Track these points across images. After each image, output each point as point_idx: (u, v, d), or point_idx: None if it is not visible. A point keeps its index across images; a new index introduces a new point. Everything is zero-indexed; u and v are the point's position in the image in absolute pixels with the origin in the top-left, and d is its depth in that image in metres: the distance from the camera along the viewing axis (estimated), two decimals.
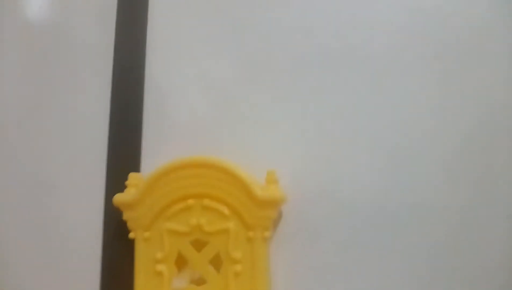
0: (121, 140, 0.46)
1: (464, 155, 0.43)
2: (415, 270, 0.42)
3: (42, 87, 0.50)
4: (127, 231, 0.41)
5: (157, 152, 0.45)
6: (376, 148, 0.44)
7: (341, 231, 0.43)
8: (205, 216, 0.40)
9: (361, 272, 0.43)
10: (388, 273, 0.42)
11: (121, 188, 0.42)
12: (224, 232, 0.39)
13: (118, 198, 0.41)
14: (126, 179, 0.42)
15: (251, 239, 0.39)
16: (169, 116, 0.47)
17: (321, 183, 0.44)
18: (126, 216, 0.41)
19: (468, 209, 0.42)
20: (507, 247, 0.41)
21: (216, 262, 0.39)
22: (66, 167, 0.48)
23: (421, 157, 0.43)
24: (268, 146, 0.45)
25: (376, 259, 0.43)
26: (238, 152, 0.44)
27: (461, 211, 0.42)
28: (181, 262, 0.40)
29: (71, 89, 0.49)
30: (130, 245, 0.41)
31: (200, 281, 0.40)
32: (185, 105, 0.47)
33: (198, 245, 0.40)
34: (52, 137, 0.49)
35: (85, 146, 0.48)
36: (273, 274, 0.41)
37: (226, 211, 0.39)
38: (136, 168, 0.45)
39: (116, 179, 0.44)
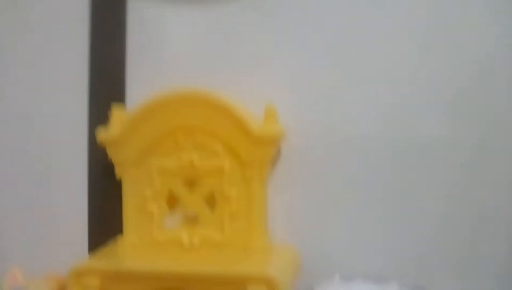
0: (103, 70, 0.42)
1: (468, 93, 0.39)
2: (418, 206, 0.41)
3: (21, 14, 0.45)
4: (113, 169, 0.38)
5: (144, 83, 0.41)
6: (381, 83, 0.40)
7: (343, 169, 0.41)
8: (197, 153, 0.37)
9: (364, 211, 0.41)
10: (391, 210, 0.41)
11: (105, 122, 0.39)
12: (218, 170, 0.36)
13: (102, 135, 0.38)
14: (109, 113, 0.39)
15: (247, 178, 0.36)
16: (156, 45, 0.42)
17: (323, 119, 0.41)
18: (111, 153, 0.38)
19: (471, 145, 0.40)
20: None
21: (210, 202, 0.37)
22: (47, 99, 0.44)
23: (425, 94, 0.40)
24: (267, 79, 0.41)
25: (378, 197, 0.41)
26: (234, 85, 0.40)
27: (465, 148, 0.40)
28: (172, 201, 0.38)
29: (50, 17, 0.44)
30: (117, 184, 0.38)
31: (192, 220, 0.38)
32: (174, 31, 0.42)
33: (190, 183, 0.37)
34: (32, 68, 0.45)
35: (66, 77, 0.44)
36: (271, 216, 0.39)
37: (220, 148, 0.36)
38: (120, 99, 0.41)
39: (99, 112, 0.41)
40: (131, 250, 0.37)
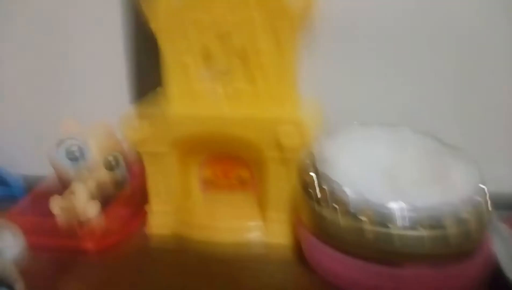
0: None
1: None
2: (432, 65, 0.43)
3: None
4: (149, 24, 0.39)
5: None
6: None
7: (366, 32, 0.43)
8: (229, 7, 0.37)
9: (383, 71, 0.44)
10: (406, 69, 0.44)
11: None
12: (249, 22, 0.38)
13: None
14: None
15: (278, 33, 0.37)
16: None
17: None
18: (147, 7, 0.39)
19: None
20: None
21: (242, 56, 0.39)
22: None
23: None
24: None
25: (396, 58, 0.43)
26: None
27: None
28: (207, 54, 0.40)
29: None
30: (154, 39, 0.40)
31: (226, 72, 0.40)
32: None
33: (223, 37, 0.39)
34: None
35: None
36: (300, 69, 0.41)
37: (251, 1, 0.37)
38: None
39: None
40: (172, 100, 0.41)
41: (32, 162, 0.51)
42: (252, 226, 0.42)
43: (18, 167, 0.51)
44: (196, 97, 0.40)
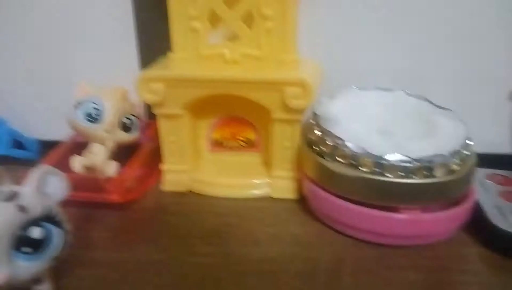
0: None
1: None
2: (427, 34, 0.46)
3: None
4: None
5: None
6: None
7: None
8: None
9: (380, 35, 0.47)
10: (403, 35, 0.46)
11: None
12: None
13: None
14: None
15: None
16: None
17: None
18: None
19: None
20: None
21: (248, 20, 0.41)
22: None
23: None
24: None
25: (393, 23, 0.46)
26: None
27: None
28: (214, 20, 0.42)
29: None
30: (162, 4, 0.42)
31: (233, 37, 0.43)
32: None
33: (230, 2, 0.40)
34: None
35: None
36: (299, 34, 0.43)
37: None
38: None
39: None
40: (181, 63, 0.43)
41: (46, 127, 0.54)
42: (259, 183, 0.45)
43: (32, 131, 0.53)
44: (204, 62, 0.42)
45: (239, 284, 0.32)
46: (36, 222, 0.27)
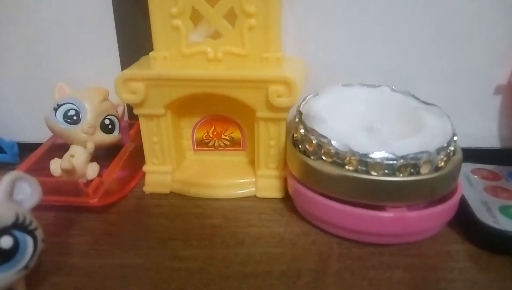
0: None
1: None
2: (411, 31, 0.46)
3: None
4: None
5: None
6: None
7: None
8: None
9: (364, 32, 0.46)
10: (387, 33, 0.46)
11: None
12: None
13: None
14: None
15: None
16: None
17: None
18: None
19: None
20: None
21: (231, 17, 0.40)
22: None
23: None
24: None
25: (378, 20, 0.45)
26: None
27: None
28: (196, 18, 0.41)
29: None
30: (143, 2, 0.41)
31: (215, 35, 0.42)
32: None
33: (212, 0, 0.40)
34: None
35: None
36: (283, 29, 0.43)
37: None
38: None
39: None
40: (163, 62, 0.42)
41: (25, 130, 0.52)
42: (244, 183, 0.44)
43: (11, 134, 0.52)
44: (186, 60, 0.41)
45: (222, 289, 0.31)
46: (6, 231, 0.26)
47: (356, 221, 0.35)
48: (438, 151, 0.34)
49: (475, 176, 0.43)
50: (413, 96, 0.42)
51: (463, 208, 0.37)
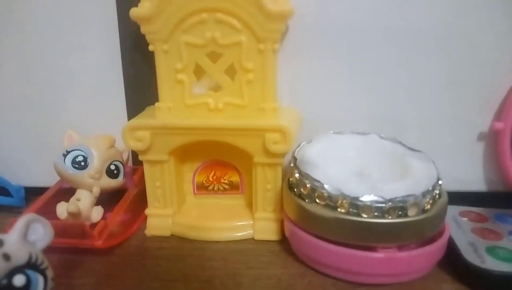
0: None
1: None
2: (397, 83, 0.49)
3: None
4: (143, 44, 0.44)
5: None
6: None
7: (341, 47, 0.49)
8: (218, 30, 0.42)
9: (355, 84, 0.50)
10: (378, 85, 0.50)
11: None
12: (237, 44, 0.42)
13: (135, 12, 0.42)
14: None
15: (261, 51, 0.42)
16: None
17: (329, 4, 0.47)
18: (144, 29, 0.43)
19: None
20: None
21: (231, 72, 0.44)
22: None
23: None
24: None
25: (369, 74, 0.49)
26: None
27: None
28: (199, 72, 0.45)
29: None
30: (149, 57, 0.45)
31: (216, 88, 0.45)
32: None
33: (214, 56, 0.44)
34: None
35: None
36: (279, 82, 0.47)
37: (238, 25, 0.42)
38: None
39: None
40: (167, 112, 0.45)
41: (32, 174, 0.54)
42: (243, 226, 0.46)
43: (18, 178, 0.54)
44: (189, 111, 0.45)
45: None
46: (20, 269, 0.27)
47: (349, 262, 0.37)
48: (424, 194, 0.37)
49: (464, 218, 0.45)
50: (400, 143, 0.45)
51: (452, 249, 0.39)
